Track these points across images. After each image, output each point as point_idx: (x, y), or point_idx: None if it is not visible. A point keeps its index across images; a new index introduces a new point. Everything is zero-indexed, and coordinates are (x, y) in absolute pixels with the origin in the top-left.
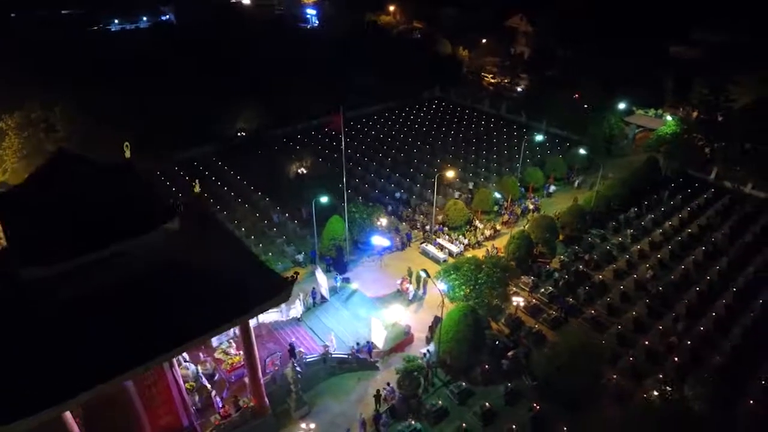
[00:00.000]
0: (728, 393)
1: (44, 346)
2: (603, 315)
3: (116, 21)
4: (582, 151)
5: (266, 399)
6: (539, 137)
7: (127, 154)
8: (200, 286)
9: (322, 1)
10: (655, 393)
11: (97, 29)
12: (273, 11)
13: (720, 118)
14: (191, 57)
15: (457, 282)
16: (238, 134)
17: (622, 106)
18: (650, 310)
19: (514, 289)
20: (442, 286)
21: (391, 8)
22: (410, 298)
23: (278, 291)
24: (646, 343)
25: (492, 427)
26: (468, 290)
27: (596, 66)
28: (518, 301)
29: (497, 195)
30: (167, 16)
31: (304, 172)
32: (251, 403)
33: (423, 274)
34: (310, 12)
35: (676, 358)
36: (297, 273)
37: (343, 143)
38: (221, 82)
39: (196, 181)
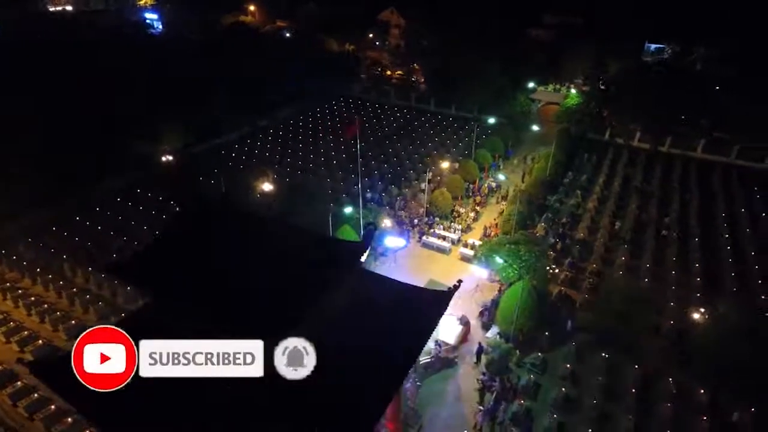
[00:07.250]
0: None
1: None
2: (600, 267)
3: None
4: (535, 128)
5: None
6: (491, 120)
7: (223, 189)
8: (388, 318)
9: (161, 4)
10: (696, 315)
11: None
12: (113, 17)
13: (603, 87)
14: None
15: (508, 262)
16: (163, 158)
17: (531, 84)
18: (632, 255)
19: None
20: (483, 271)
21: (251, 8)
22: None
23: (444, 303)
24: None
25: (578, 385)
26: (517, 268)
27: (474, 51)
28: (554, 267)
29: (499, 179)
30: None
31: (272, 187)
32: (389, 430)
33: None
34: (151, 16)
35: (673, 287)
36: (461, 281)
37: (358, 149)
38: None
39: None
